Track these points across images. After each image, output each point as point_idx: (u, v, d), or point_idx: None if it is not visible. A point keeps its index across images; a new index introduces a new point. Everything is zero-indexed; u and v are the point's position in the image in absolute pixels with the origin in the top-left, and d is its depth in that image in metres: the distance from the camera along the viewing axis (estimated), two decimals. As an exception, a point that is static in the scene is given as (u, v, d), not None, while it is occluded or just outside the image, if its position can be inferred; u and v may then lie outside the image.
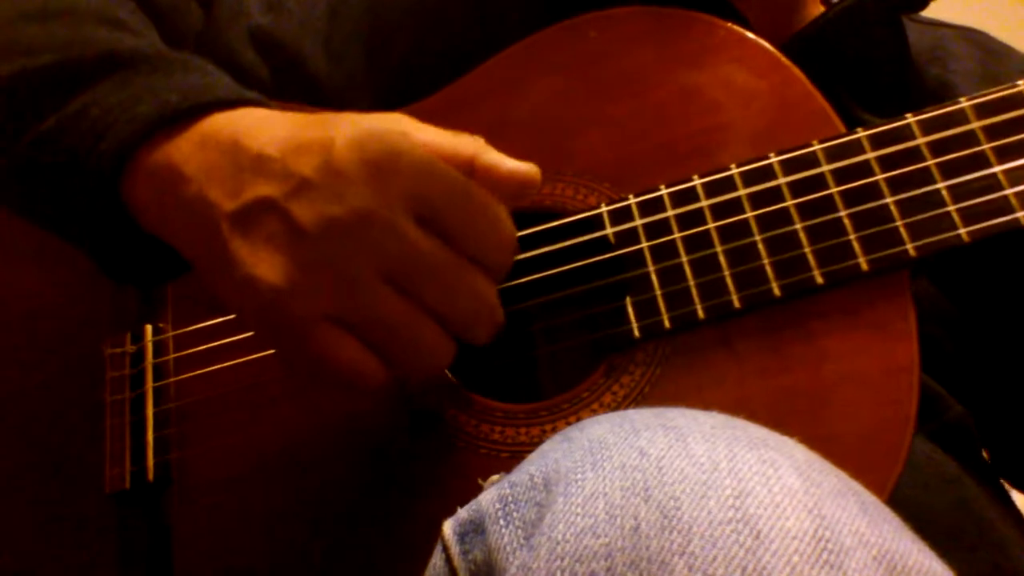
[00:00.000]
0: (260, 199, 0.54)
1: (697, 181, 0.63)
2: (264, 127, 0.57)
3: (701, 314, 0.61)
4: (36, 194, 0.64)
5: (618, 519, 0.39)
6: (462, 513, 0.47)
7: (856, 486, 0.43)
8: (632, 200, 0.64)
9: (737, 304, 0.60)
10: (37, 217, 0.66)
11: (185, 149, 0.57)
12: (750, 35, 0.67)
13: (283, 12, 0.79)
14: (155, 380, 0.69)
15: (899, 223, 0.59)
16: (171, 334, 0.71)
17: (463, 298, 0.54)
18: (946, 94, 0.61)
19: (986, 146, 0.59)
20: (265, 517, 0.64)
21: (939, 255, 0.59)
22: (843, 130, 0.63)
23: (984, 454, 0.79)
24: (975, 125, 0.60)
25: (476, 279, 0.54)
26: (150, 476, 0.67)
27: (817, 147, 0.62)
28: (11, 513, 0.70)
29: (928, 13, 0.82)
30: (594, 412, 0.61)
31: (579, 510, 0.40)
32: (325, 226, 0.52)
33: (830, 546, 0.37)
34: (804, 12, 0.81)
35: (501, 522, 0.44)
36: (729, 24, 0.68)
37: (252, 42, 0.78)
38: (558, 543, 0.40)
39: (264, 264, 0.52)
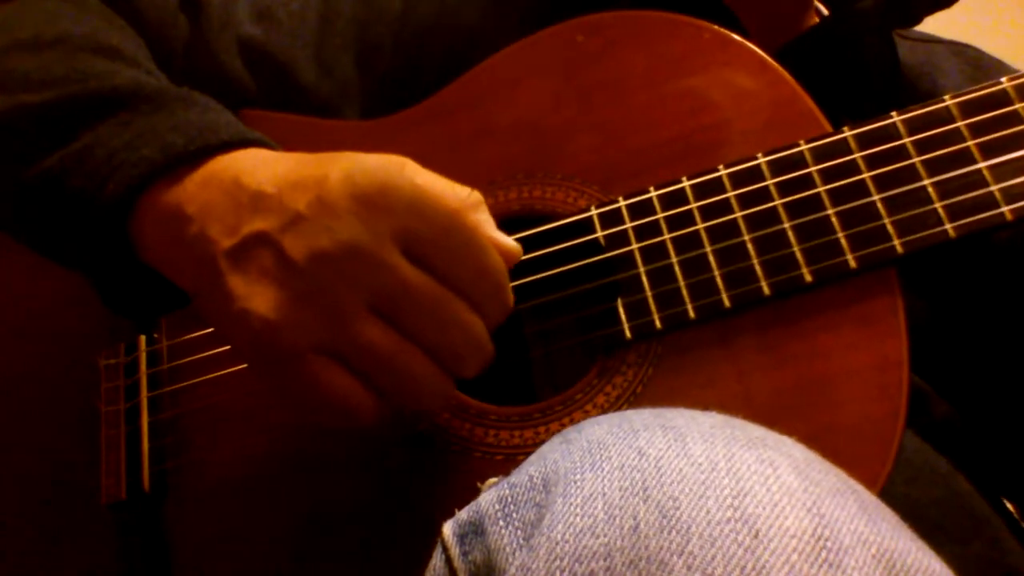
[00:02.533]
0: (255, 233, 0.55)
1: (686, 183, 0.64)
2: (264, 166, 0.58)
3: (692, 314, 0.61)
4: (37, 226, 0.65)
5: (617, 519, 0.39)
6: (462, 514, 0.47)
7: (855, 484, 0.43)
8: (622, 202, 0.65)
9: (727, 303, 0.61)
10: (37, 246, 0.67)
11: (189, 190, 0.58)
12: (736, 37, 0.67)
13: (273, 23, 0.79)
14: (150, 390, 0.70)
15: (886, 221, 0.60)
16: (165, 344, 0.71)
17: (449, 329, 0.55)
18: None
19: (970, 143, 0.60)
20: (262, 525, 0.64)
21: (919, 255, 0.59)
22: (830, 130, 0.63)
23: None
24: (960, 123, 0.60)
25: (462, 311, 0.55)
26: (146, 486, 0.67)
27: (804, 147, 0.62)
28: (9, 523, 0.70)
29: (928, 25, 0.82)
30: (587, 413, 0.61)
31: (578, 510, 0.40)
32: (314, 258, 0.53)
33: (829, 544, 0.38)
34: (803, 24, 0.82)
35: (501, 523, 0.44)
36: (715, 27, 0.68)
37: (241, 53, 0.78)
38: (557, 543, 0.40)
39: (257, 298, 0.53)
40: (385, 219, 0.53)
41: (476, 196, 0.57)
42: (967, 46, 0.88)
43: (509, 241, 0.59)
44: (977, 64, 0.85)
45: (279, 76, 0.77)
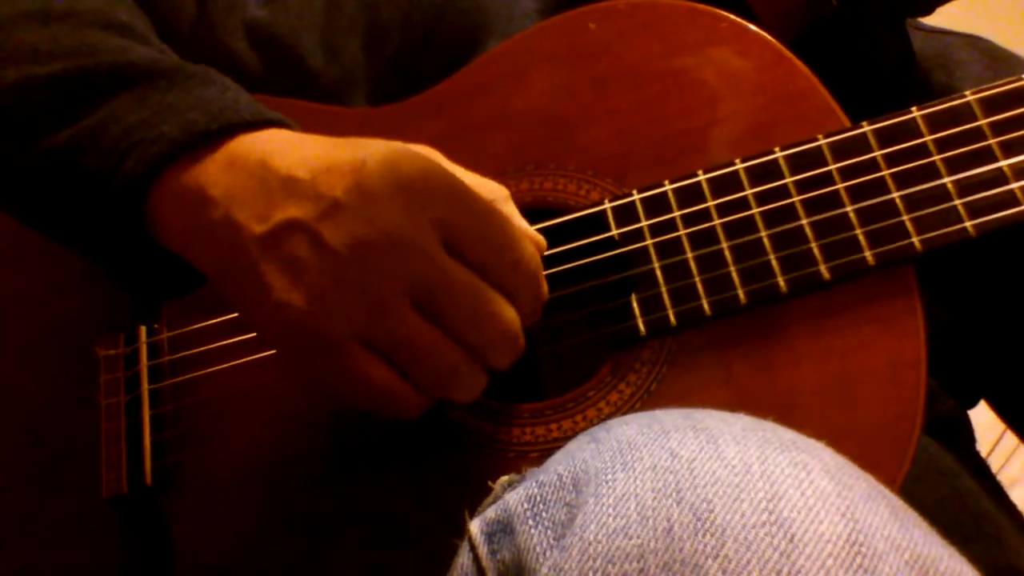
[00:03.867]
0: (290, 220, 0.53)
1: (702, 177, 0.63)
2: (292, 149, 0.56)
3: (707, 310, 0.60)
4: (44, 205, 0.62)
5: (650, 520, 0.39)
6: (489, 512, 0.47)
7: (884, 489, 0.43)
8: (636, 196, 0.64)
9: (743, 300, 0.60)
10: (41, 225, 0.64)
11: (212, 171, 0.56)
12: (752, 27, 0.66)
13: (280, 5, 0.78)
14: (151, 382, 0.68)
15: (905, 217, 0.59)
16: (166, 335, 0.69)
17: (486, 323, 0.54)
18: None
19: (992, 140, 0.59)
20: (267, 520, 0.63)
21: (934, 255, 0.59)
22: (848, 123, 0.62)
23: (977, 448, 0.80)
24: (981, 120, 0.60)
25: (499, 305, 0.55)
26: (148, 480, 0.65)
27: (822, 142, 0.62)
28: (9, 518, 0.68)
29: (934, 20, 0.82)
30: (600, 411, 0.60)
31: (611, 511, 0.40)
32: (356, 248, 0.52)
33: (863, 550, 0.37)
34: (819, 18, 0.81)
35: (530, 522, 0.43)
36: (732, 16, 0.67)
37: (247, 35, 0.77)
38: (590, 544, 0.39)
39: (294, 287, 0.52)
40: (426, 209, 0.52)
41: (504, 190, 0.57)
42: (981, 38, 0.87)
43: (536, 233, 0.58)
44: (992, 55, 0.85)
45: (285, 58, 0.76)
